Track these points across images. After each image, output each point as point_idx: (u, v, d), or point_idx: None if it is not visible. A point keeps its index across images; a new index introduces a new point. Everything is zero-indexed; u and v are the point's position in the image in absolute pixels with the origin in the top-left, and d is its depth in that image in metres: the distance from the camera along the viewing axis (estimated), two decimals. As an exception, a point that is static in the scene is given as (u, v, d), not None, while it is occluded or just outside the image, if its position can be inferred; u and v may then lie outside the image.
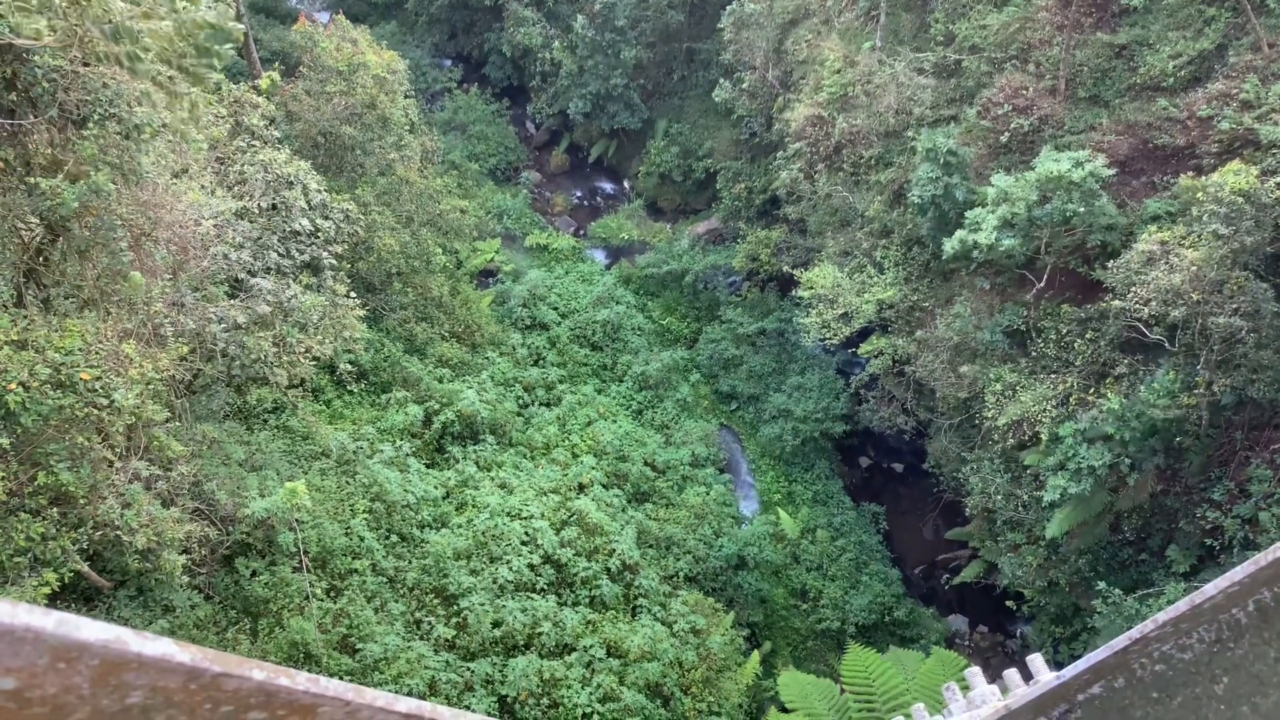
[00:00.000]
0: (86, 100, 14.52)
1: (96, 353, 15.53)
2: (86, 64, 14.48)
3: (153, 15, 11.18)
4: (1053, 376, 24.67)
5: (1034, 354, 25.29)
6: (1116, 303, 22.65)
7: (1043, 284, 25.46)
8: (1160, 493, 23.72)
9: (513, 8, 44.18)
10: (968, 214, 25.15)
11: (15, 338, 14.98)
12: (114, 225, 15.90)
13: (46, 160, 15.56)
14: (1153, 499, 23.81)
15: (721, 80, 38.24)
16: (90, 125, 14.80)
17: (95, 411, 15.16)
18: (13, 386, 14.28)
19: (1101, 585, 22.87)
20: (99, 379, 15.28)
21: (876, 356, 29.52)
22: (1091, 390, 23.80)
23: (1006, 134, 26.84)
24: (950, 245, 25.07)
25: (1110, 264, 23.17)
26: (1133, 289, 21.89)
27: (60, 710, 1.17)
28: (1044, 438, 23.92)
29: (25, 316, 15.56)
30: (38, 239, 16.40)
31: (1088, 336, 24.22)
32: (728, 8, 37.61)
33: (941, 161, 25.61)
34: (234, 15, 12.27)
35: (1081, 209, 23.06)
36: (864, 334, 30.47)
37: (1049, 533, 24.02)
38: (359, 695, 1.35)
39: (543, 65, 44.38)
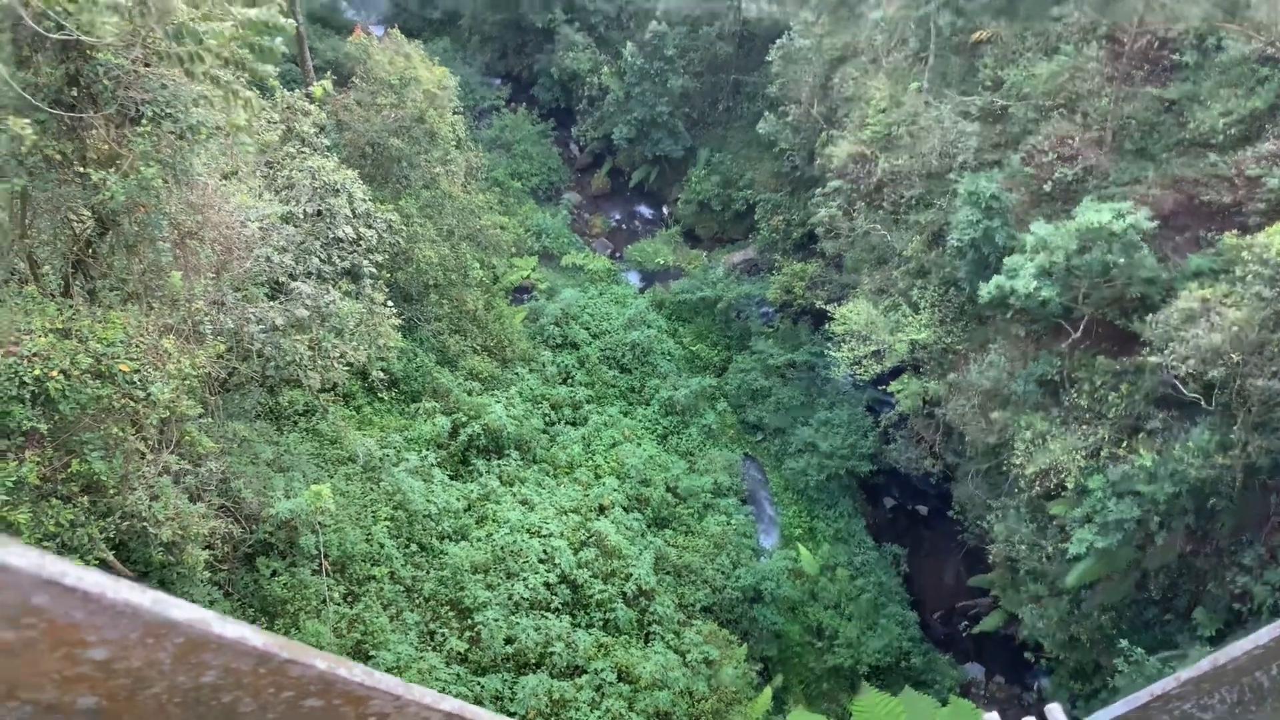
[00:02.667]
0: (144, 99, 14.89)
1: (137, 346, 15.82)
2: (147, 64, 14.86)
3: (211, 17, 11.48)
4: (1084, 428, 24.38)
5: (1066, 404, 25.02)
6: (1153, 358, 22.39)
7: (1079, 334, 25.23)
8: (1189, 553, 23.31)
9: (564, 32, 44.75)
10: (1006, 260, 25.03)
11: (60, 326, 15.30)
12: (161, 222, 16.23)
13: (101, 155, 15.94)
14: (1181, 559, 23.40)
15: (766, 113, 38.44)
16: (145, 123, 15.16)
17: (131, 403, 15.42)
18: (54, 374, 14.58)
19: (1124, 643, 22.47)
20: (137, 371, 15.56)
21: (906, 396, 29.33)
22: (1124, 444, 23.49)
23: (1050, 182, 26.73)
24: (987, 290, 24.94)
25: (1149, 318, 22.93)
26: (1171, 345, 21.64)
27: (141, 683, 1.25)
28: (1072, 488, 23.63)
29: (71, 306, 15.90)
30: (88, 231, 16.78)
31: (1122, 390, 23.94)
32: (777, 41, 37.86)
33: (983, 206, 25.54)
34: (280, 11, 12.53)
35: (1121, 260, 22.87)
36: (895, 373, 30.32)
37: (1068, 581, 23.67)
38: (408, 691, 1.41)
39: (590, 89, 44.85)
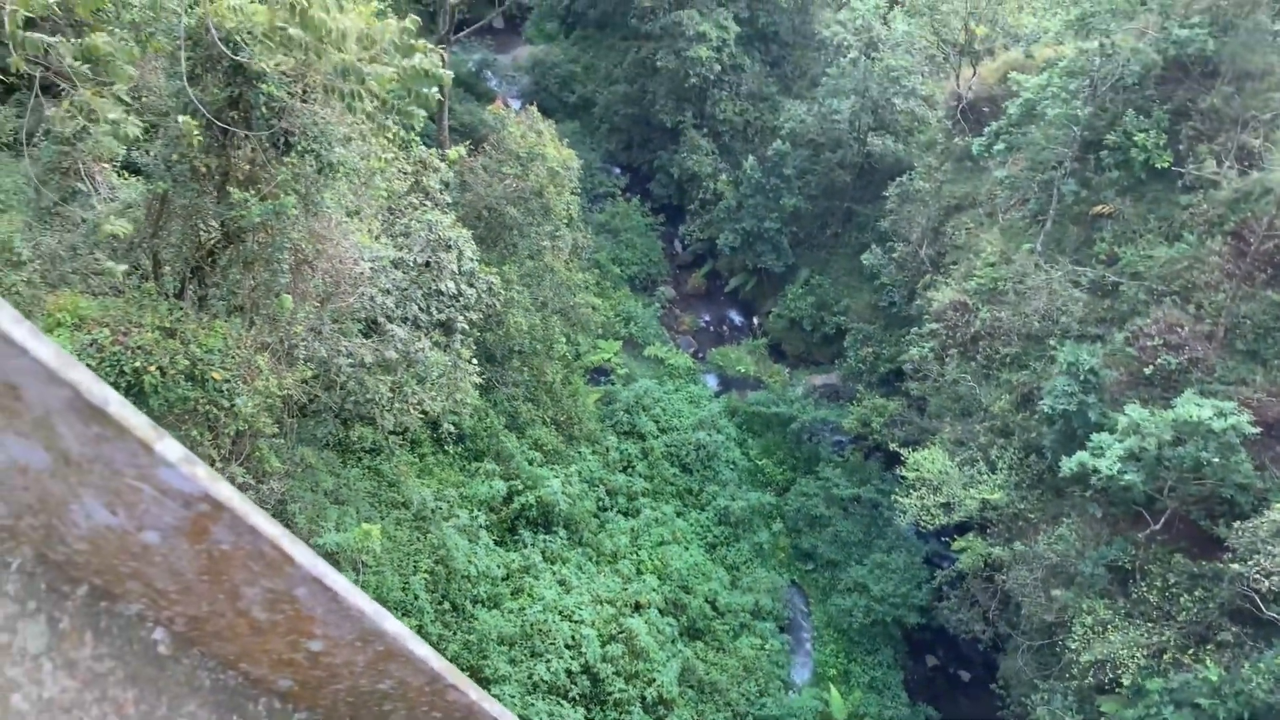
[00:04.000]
0: (295, 131, 15.78)
1: (232, 357, 16.42)
2: (304, 99, 15.78)
3: (378, 60, 12.20)
4: (1150, 625, 23.27)
5: (1134, 596, 23.96)
6: (1235, 566, 21.39)
7: (1158, 526, 24.30)
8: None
9: (690, 135, 46.03)
10: (1094, 436, 24.41)
11: (167, 325, 16.00)
12: (283, 246, 17.00)
13: (243, 175, 16.86)
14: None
15: (873, 245, 38.67)
16: (292, 154, 16.03)
17: (215, 410, 15.94)
18: (152, 369, 15.20)
19: None
20: (228, 381, 16.11)
21: (969, 555, 28.46)
22: (1190, 652, 22.32)
23: (1152, 367, 26.14)
24: (1069, 464, 24.30)
25: (1236, 525, 21.99)
26: (1256, 557, 20.68)
27: (333, 677, 1.37)
28: (1128, 686, 22.43)
29: (181, 308, 16.64)
30: (212, 242, 17.63)
31: (1196, 594, 22.85)
32: (896, 179, 38.29)
33: (1081, 378, 25.09)
34: (441, 64, 13.25)
35: (1216, 460, 22.09)
36: (961, 528, 29.51)
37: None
38: None
39: (704, 193, 45.82)
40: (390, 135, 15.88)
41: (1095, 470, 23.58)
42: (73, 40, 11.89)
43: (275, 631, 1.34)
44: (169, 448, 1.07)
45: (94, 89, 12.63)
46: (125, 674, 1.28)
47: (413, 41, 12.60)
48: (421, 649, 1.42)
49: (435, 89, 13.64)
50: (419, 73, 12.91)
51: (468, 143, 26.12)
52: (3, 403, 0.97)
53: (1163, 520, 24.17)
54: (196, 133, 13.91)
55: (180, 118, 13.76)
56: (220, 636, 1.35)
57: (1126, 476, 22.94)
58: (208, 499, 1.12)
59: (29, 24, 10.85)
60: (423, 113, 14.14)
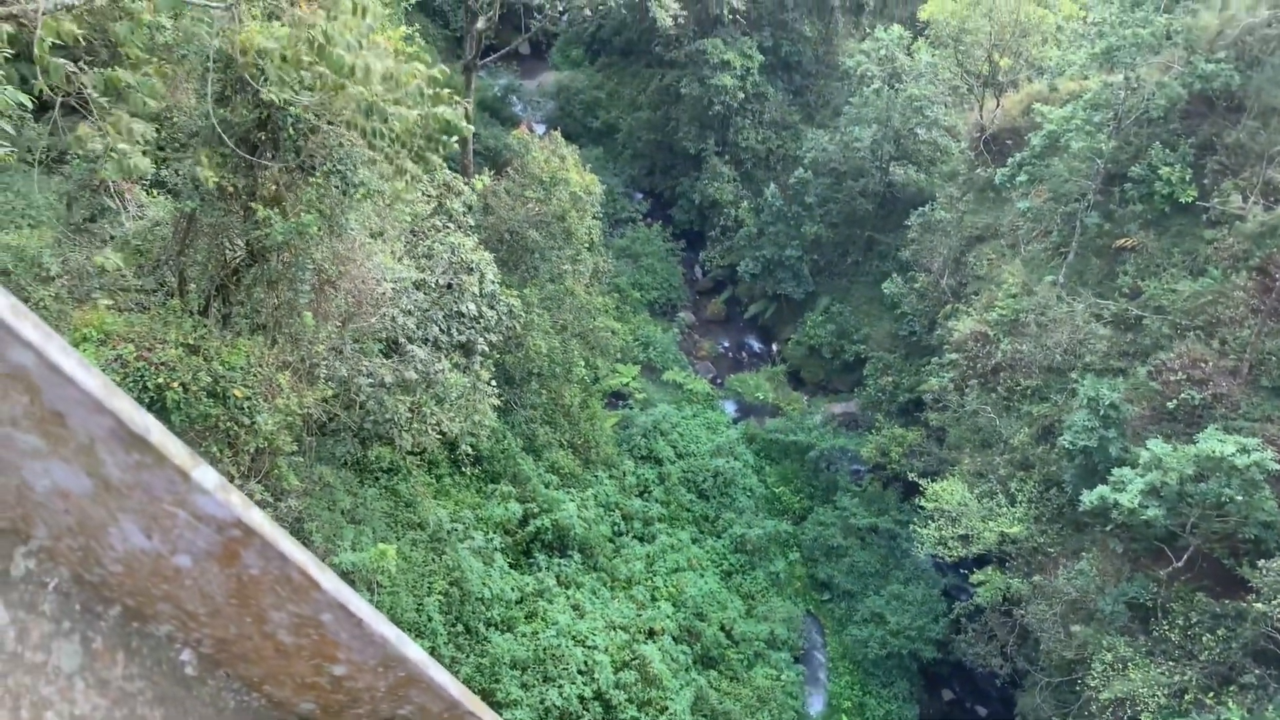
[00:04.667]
0: (320, 153, 15.98)
1: (254, 375, 16.55)
2: (330, 123, 15.99)
3: (403, 103, 12.34)
4: (1171, 664, 22.90)
5: (1155, 634, 23.61)
6: (1259, 606, 21.05)
7: (1180, 563, 23.97)
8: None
9: (712, 162, 46.26)
10: (1116, 471, 24.16)
11: (191, 342, 16.16)
12: (306, 266, 17.17)
13: (268, 194, 17.06)
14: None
15: (894, 274, 38.61)
16: (316, 175, 16.23)
17: (236, 427, 16.05)
18: (175, 385, 15.34)
19: None
20: (249, 399, 16.23)
21: (987, 589, 28.14)
22: (1212, 693, 21.93)
23: (1175, 401, 25.90)
24: (1090, 498, 24.05)
25: (1260, 564, 21.67)
26: (1281, 598, 20.34)
27: (354, 701, 1.40)
28: (1148, 728, 22.06)
29: (205, 326, 16.81)
30: (238, 260, 17.83)
31: (1219, 633, 22.49)
32: (919, 209, 38.27)
33: (1101, 413, 24.88)
34: (465, 117, 13.40)
35: (1239, 497, 21.81)
36: (979, 561, 29.21)
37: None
38: None
39: (725, 219, 45.98)
40: (409, 177, 16.09)
41: (1116, 505, 23.33)
42: (96, 70, 12.10)
43: (300, 655, 1.36)
44: (205, 475, 1.10)
45: (114, 119, 12.85)
46: (154, 694, 1.30)
47: (438, 90, 12.77)
48: (441, 675, 1.43)
49: (455, 138, 13.82)
50: (442, 122, 13.08)
51: (489, 170, 26.36)
52: (50, 430, 1.00)
53: (1185, 558, 23.85)
54: (211, 176, 14.11)
55: (199, 169, 13.97)
56: (246, 659, 1.37)
57: (1148, 511, 22.67)
58: (240, 525, 1.14)
59: (60, 47, 11.06)
60: (439, 160, 14.31)
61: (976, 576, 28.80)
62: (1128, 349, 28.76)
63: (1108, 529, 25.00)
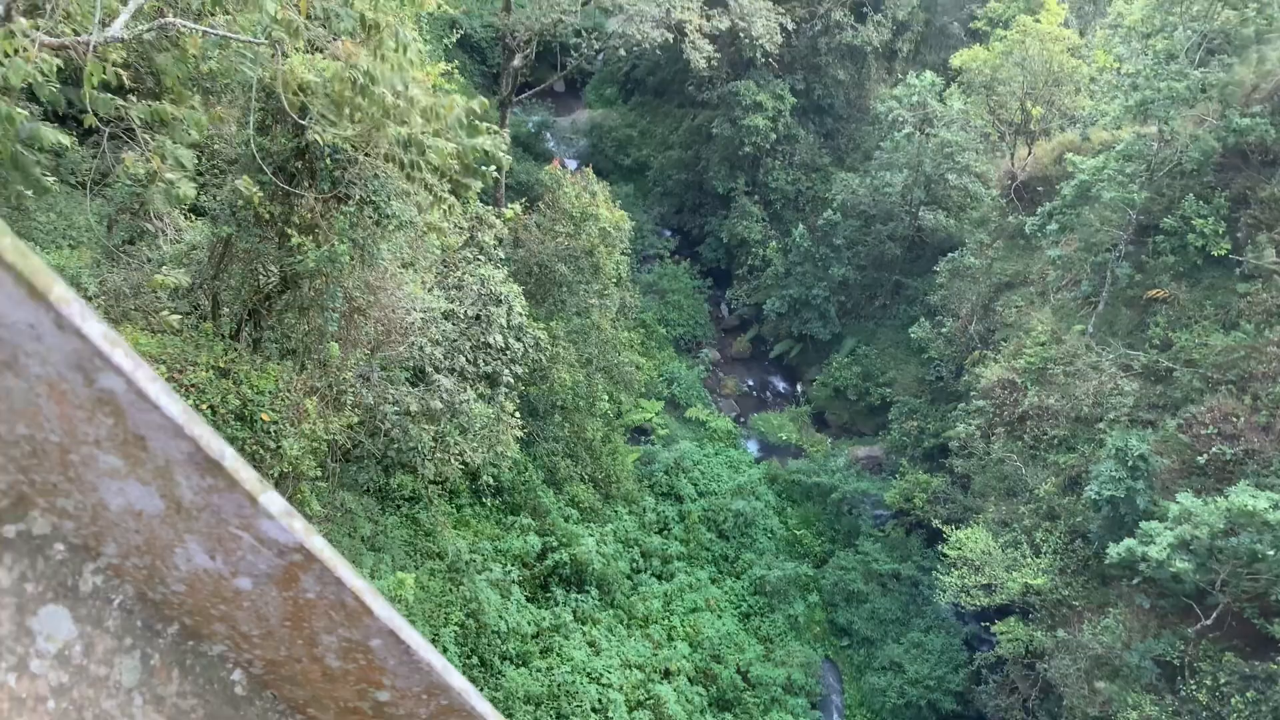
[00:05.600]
0: (356, 183, 16.23)
1: (282, 399, 16.70)
2: (367, 154, 16.26)
3: (442, 134, 12.53)
4: (1199, 726, 22.37)
5: (1183, 694, 23.08)
6: (1291, 670, 20.56)
7: (1209, 621, 23.48)
8: None
9: (742, 201, 46.50)
10: (1144, 524, 23.79)
11: (221, 365, 16.35)
12: (337, 293, 17.37)
13: (304, 222, 17.33)
14: None
15: (922, 319, 38.49)
16: (351, 204, 16.47)
17: (262, 451, 16.16)
18: (204, 407, 15.50)
19: None
20: (275, 423, 16.37)
21: (1009, 640, 27.67)
22: (1241, 757, 21.39)
23: (1205, 456, 25.53)
24: (1117, 551, 23.67)
25: (1293, 626, 21.20)
26: (1313, 661, 19.86)
27: None
28: (1174, 791, 21.52)
29: (236, 349, 17.02)
30: (270, 286, 18.07)
31: (1249, 695, 21.95)
32: (948, 255, 38.22)
33: (1129, 464, 24.55)
34: (505, 147, 13.59)
35: (1272, 553, 21.38)
36: (1002, 611, 28.75)
37: None
38: None
39: (753, 258, 46.11)
40: (446, 207, 16.31)
41: (1144, 557, 22.94)
42: (143, 102, 12.40)
43: (346, 680, 1.38)
44: (272, 500, 1.13)
45: (158, 146, 13.14)
46: (205, 712, 1.32)
47: (478, 122, 12.94)
48: (482, 705, 1.45)
49: (493, 168, 13.98)
50: (480, 152, 13.27)
51: (524, 202, 26.64)
52: (131, 451, 1.04)
53: (1214, 615, 23.37)
54: (257, 191, 14.38)
55: (240, 183, 14.26)
56: (293, 681, 1.39)
57: (1177, 565, 22.27)
58: (302, 550, 1.17)
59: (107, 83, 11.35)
60: (475, 190, 14.47)
61: (999, 627, 28.34)
62: (1157, 401, 28.43)
63: (1134, 583, 24.58)
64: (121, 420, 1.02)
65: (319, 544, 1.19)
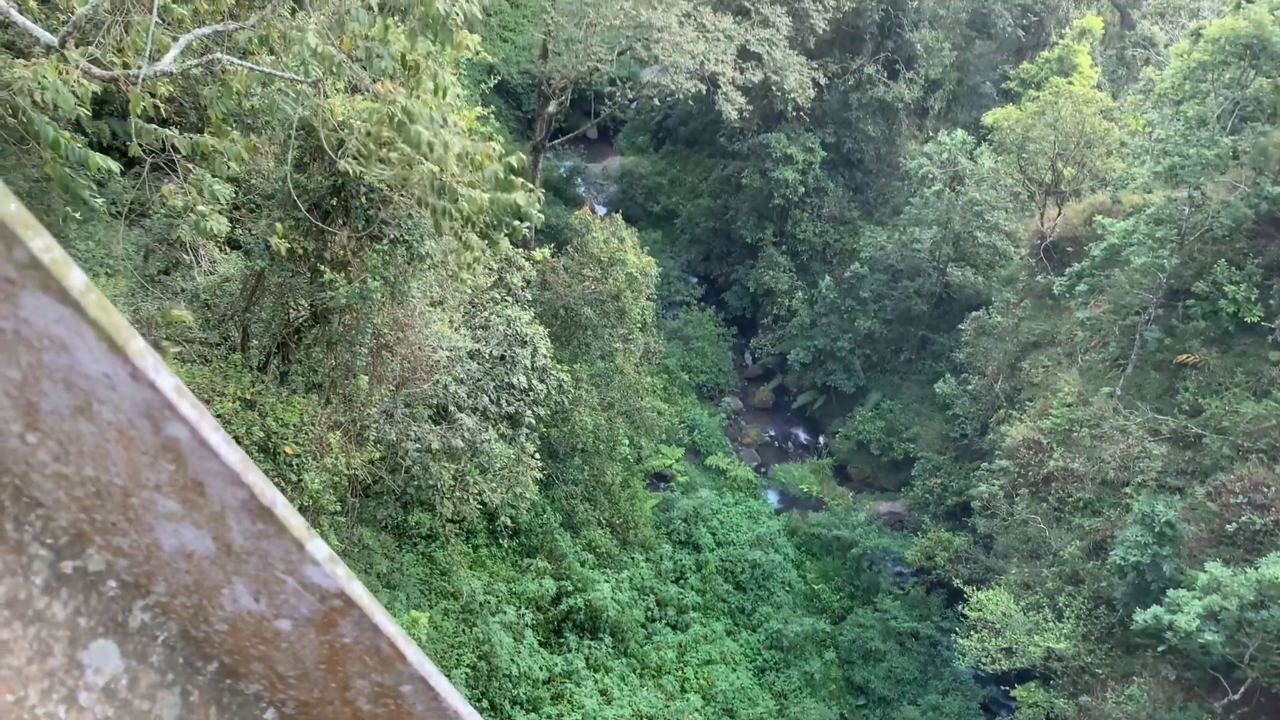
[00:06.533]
0: (390, 223, 16.47)
1: (306, 433, 16.81)
2: (401, 195, 16.52)
3: (477, 186, 12.72)
4: (1226, 805, 21.70)
5: (1209, 771, 22.45)
6: (1322, 751, 19.94)
7: (1237, 696, 22.88)
8: None
9: (769, 251, 46.71)
10: (1170, 592, 23.32)
11: (248, 397, 16.51)
12: (366, 329, 17.56)
13: (336, 258, 17.58)
14: None
15: (947, 375, 38.29)
16: (384, 243, 16.71)
17: (283, 484, 16.24)
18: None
19: None
20: (298, 457, 16.46)
21: (1029, 706, 27.07)
22: (1269, 839, 20.69)
23: (1235, 524, 25.07)
24: (1143, 618, 23.18)
25: (1324, 705, 20.60)
26: (1346, 742, 19.26)
27: None
28: None
29: (263, 382, 17.18)
30: (301, 319, 18.30)
31: (1279, 776, 21.32)
32: (974, 313, 38.12)
33: (1156, 530, 24.15)
34: (538, 204, 13.77)
35: (1303, 631, 20.88)
36: (1022, 676, 28.17)
37: None
38: None
39: (779, 308, 46.19)
40: (475, 254, 16.53)
41: (1171, 626, 22.45)
42: (185, 135, 12.69)
43: None
44: (318, 547, 1.16)
45: (196, 179, 13.42)
46: None
47: (513, 177, 13.13)
48: None
49: (525, 223, 14.15)
50: (514, 206, 13.46)
51: (553, 244, 26.92)
52: (189, 496, 1.08)
53: (1242, 690, 22.77)
54: (284, 244, 14.68)
55: (273, 239, 14.57)
56: None
57: (1206, 636, 21.77)
58: (342, 595, 1.20)
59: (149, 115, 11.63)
60: (505, 242, 14.64)
61: (1019, 692, 27.76)
62: (1185, 468, 28.02)
63: (1160, 652, 24.04)
64: (183, 466, 1.07)
65: (359, 590, 1.21)
